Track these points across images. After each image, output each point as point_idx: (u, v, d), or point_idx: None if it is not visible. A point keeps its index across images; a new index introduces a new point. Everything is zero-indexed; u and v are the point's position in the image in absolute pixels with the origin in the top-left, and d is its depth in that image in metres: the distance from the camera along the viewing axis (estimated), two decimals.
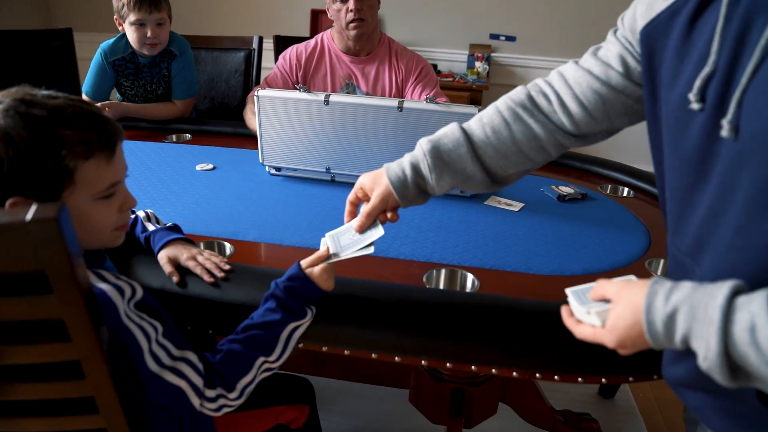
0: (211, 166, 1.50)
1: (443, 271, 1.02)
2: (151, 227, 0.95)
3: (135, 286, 0.74)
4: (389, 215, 0.87)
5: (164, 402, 0.75)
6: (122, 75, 1.91)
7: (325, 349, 0.88)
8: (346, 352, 0.87)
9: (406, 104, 1.27)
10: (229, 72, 2.25)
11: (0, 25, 3.20)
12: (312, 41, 1.84)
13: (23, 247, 0.54)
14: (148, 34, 1.79)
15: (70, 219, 0.55)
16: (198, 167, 1.48)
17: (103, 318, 0.65)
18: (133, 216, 0.98)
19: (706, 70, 0.57)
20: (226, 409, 0.79)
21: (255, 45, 2.24)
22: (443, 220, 1.22)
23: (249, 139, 1.69)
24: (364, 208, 0.86)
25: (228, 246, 1.08)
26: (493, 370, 0.85)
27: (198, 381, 0.75)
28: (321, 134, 1.34)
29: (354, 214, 0.89)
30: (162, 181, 1.38)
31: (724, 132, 0.55)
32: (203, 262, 0.90)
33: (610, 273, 1.03)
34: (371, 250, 0.82)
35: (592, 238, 1.16)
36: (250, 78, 2.25)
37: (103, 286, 0.69)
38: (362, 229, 0.85)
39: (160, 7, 1.78)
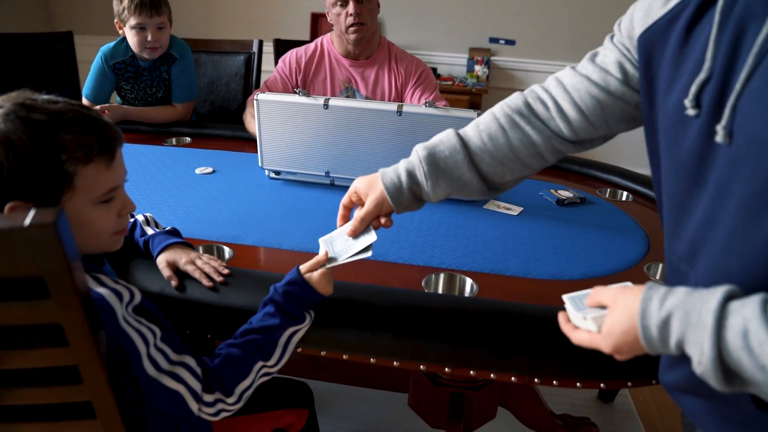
0: (210, 169, 1.50)
1: (442, 276, 1.02)
2: (150, 231, 0.95)
3: (133, 290, 0.74)
4: (383, 220, 0.86)
5: (162, 407, 0.75)
6: (122, 78, 1.91)
7: (323, 353, 0.88)
8: (344, 356, 0.87)
9: (405, 108, 1.27)
10: (229, 75, 2.26)
11: (1, 28, 3.21)
12: (312, 45, 1.85)
13: (21, 252, 0.54)
14: (149, 38, 1.79)
15: (69, 224, 0.55)
16: (197, 171, 1.48)
17: (101, 322, 0.65)
18: (132, 220, 0.98)
19: (702, 76, 0.57)
20: (224, 414, 0.79)
21: (255, 48, 2.25)
22: (442, 224, 1.22)
23: (248, 143, 1.69)
24: (358, 213, 0.86)
25: (227, 250, 1.08)
26: (492, 375, 0.85)
27: (196, 385, 0.75)
28: (320, 138, 1.34)
29: (347, 218, 0.89)
30: (161, 185, 1.38)
31: (719, 137, 0.55)
32: (202, 266, 0.90)
33: (609, 277, 1.04)
34: (369, 254, 0.82)
35: (591, 243, 1.16)
36: (250, 81, 2.25)
37: (101, 290, 0.69)
38: (355, 234, 0.85)
39: (160, 11, 1.78)
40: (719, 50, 0.56)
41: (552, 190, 1.40)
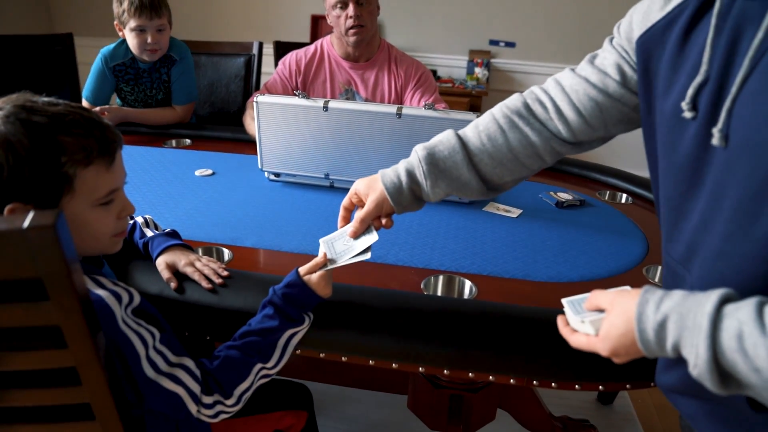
0: (210, 171, 1.50)
1: (441, 278, 1.02)
2: (149, 233, 0.96)
3: (132, 292, 0.74)
4: (384, 221, 0.86)
5: (161, 408, 0.75)
6: (122, 80, 1.91)
7: (322, 355, 0.88)
8: (343, 358, 0.87)
9: (404, 111, 1.27)
10: (229, 77, 2.26)
11: (1, 29, 3.22)
12: (311, 47, 1.85)
13: (20, 254, 0.54)
14: (149, 40, 1.79)
15: (68, 226, 0.55)
16: (197, 173, 1.49)
17: (100, 324, 0.65)
18: (131, 222, 0.98)
19: (698, 79, 0.58)
20: (223, 416, 0.79)
21: (255, 50, 2.25)
22: (441, 227, 1.22)
23: (248, 145, 1.69)
24: (359, 214, 0.86)
25: (226, 252, 1.08)
26: (491, 377, 0.85)
27: (195, 387, 0.75)
28: (320, 140, 1.34)
29: (347, 219, 0.89)
30: (161, 187, 1.38)
31: (715, 140, 0.56)
32: (201, 268, 0.90)
33: (608, 279, 1.04)
34: (368, 255, 0.82)
35: (590, 245, 1.16)
36: (250, 83, 2.25)
37: (100, 292, 0.69)
38: (356, 235, 0.85)
39: (160, 14, 1.79)
40: (716, 53, 0.57)
41: (551, 193, 1.40)
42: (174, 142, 1.77)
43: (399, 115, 1.27)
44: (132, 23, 1.77)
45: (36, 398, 0.66)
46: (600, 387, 0.84)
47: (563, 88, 0.82)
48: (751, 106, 0.52)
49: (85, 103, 1.89)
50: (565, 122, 0.81)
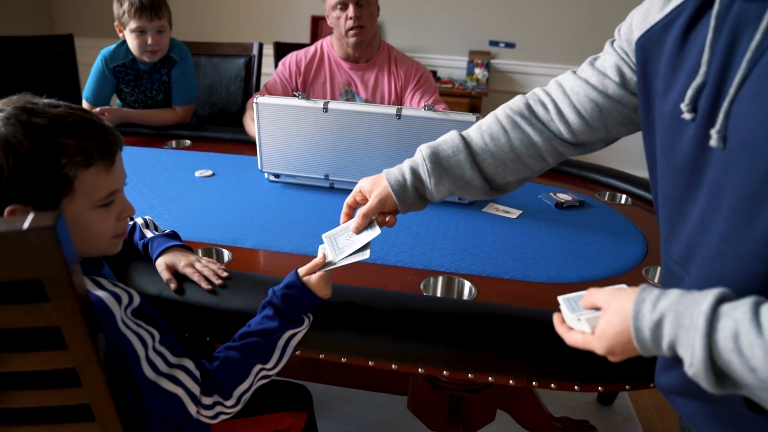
0: (210, 172, 1.50)
1: (440, 279, 1.02)
2: (149, 234, 0.96)
3: (132, 293, 0.74)
4: (387, 218, 0.87)
5: (161, 409, 0.75)
6: (122, 81, 1.91)
7: (322, 356, 0.88)
8: (343, 359, 0.87)
9: (404, 112, 1.27)
10: (229, 78, 2.26)
11: (1, 31, 3.22)
12: (311, 48, 1.85)
13: (20, 256, 0.54)
14: (149, 42, 1.79)
15: (68, 227, 0.56)
16: (197, 173, 1.49)
17: (99, 325, 0.65)
18: (131, 223, 0.98)
19: (698, 80, 0.58)
20: (223, 417, 0.79)
21: (255, 51, 2.25)
22: (441, 228, 1.22)
23: (248, 146, 1.69)
24: (362, 209, 0.86)
25: (226, 253, 1.08)
26: (490, 378, 0.85)
27: (195, 388, 0.75)
28: (320, 141, 1.35)
29: (350, 216, 0.89)
30: (161, 188, 1.39)
31: (713, 141, 0.56)
32: (201, 269, 0.90)
33: (608, 280, 1.04)
34: (367, 255, 0.82)
35: (589, 246, 1.16)
36: (250, 84, 2.26)
37: (100, 293, 0.69)
38: (359, 230, 0.86)
39: (160, 15, 1.79)
40: (715, 55, 0.57)
41: (551, 193, 1.40)
42: (174, 143, 1.77)
43: (399, 116, 1.27)
44: (132, 24, 1.77)
45: (36, 399, 0.66)
46: (599, 388, 0.84)
47: (564, 89, 0.83)
48: (749, 107, 0.52)
49: (85, 104, 1.89)
50: (566, 123, 0.82)
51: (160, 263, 0.91)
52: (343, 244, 0.85)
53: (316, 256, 0.85)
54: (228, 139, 1.82)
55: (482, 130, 0.86)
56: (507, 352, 0.82)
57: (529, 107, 0.85)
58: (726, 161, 0.55)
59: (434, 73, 3.27)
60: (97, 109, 1.77)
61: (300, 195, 1.38)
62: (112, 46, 1.87)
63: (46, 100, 0.72)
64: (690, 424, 0.67)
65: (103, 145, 0.72)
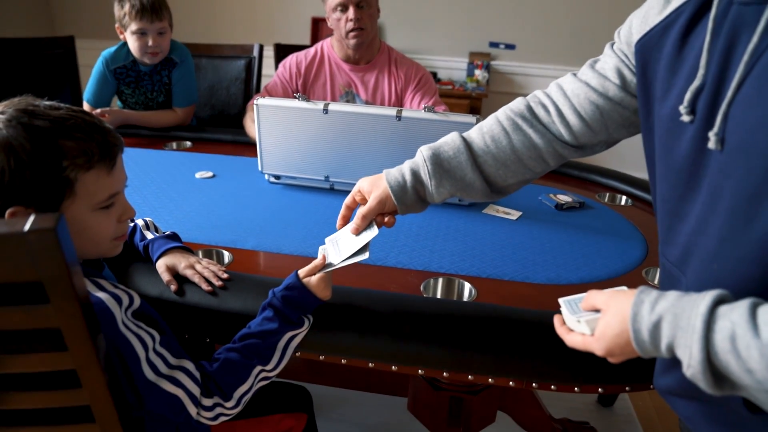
0: (210, 174, 1.50)
1: (440, 280, 1.02)
2: (149, 235, 0.96)
3: (132, 294, 0.74)
4: (386, 219, 0.87)
5: (161, 411, 0.75)
6: (123, 83, 1.92)
7: (322, 358, 0.88)
8: (343, 361, 0.88)
9: (404, 113, 1.27)
10: (229, 80, 2.27)
11: (2, 32, 3.22)
12: (312, 49, 1.86)
13: (21, 258, 0.54)
14: (150, 43, 1.80)
15: (69, 229, 0.56)
16: (197, 175, 1.49)
17: (100, 327, 0.65)
18: (132, 224, 0.98)
19: (696, 83, 0.58)
20: (223, 418, 0.79)
21: (255, 53, 2.26)
22: (441, 229, 1.23)
23: (249, 147, 1.70)
24: (361, 210, 0.86)
25: (226, 254, 1.08)
26: (490, 380, 0.85)
27: (195, 390, 0.75)
28: (320, 143, 1.35)
29: (347, 218, 0.89)
30: (161, 189, 1.39)
31: (711, 144, 0.56)
32: (201, 270, 0.90)
33: (608, 281, 1.04)
34: (366, 256, 0.83)
35: (589, 247, 1.16)
36: (250, 86, 2.26)
37: (100, 294, 0.70)
38: (358, 231, 0.86)
39: (161, 17, 1.79)
40: (713, 57, 0.57)
41: (551, 195, 1.41)
42: (174, 145, 1.78)
43: (399, 117, 1.27)
44: (133, 26, 1.77)
45: (36, 401, 0.66)
46: (599, 389, 0.84)
47: (565, 92, 0.83)
48: (747, 110, 0.53)
49: (86, 106, 1.90)
50: (567, 125, 0.82)
51: (161, 265, 0.91)
52: (343, 246, 0.85)
53: (316, 258, 0.85)
54: (228, 140, 1.83)
55: (483, 131, 0.86)
56: (507, 354, 0.82)
57: (530, 109, 0.85)
58: (724, 163, 0.55)
59: (434, 74, 3.27)
60: (98, 111, 1.78)
61: (300, 196, 1.38)
62: (113, 48, 1.88)
63: (48, 103, 0.72)
64: (689, 426, 0.68)
65: (104, 148, 0.72)
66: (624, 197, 1.46)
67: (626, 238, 1.21)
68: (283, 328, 0.81)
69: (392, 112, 1.28)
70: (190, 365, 0.76)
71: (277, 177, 1.44)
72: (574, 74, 0.83)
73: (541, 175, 0.89)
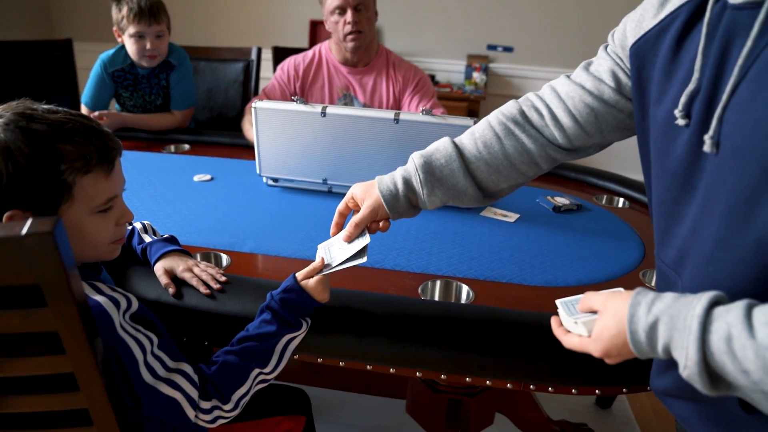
0: (208, 177, 1.50)
1: (438, 283, 1.02)
2: (147, 239, 0.96)
3: (130, 297, 0.74)
4: (381, 224, 0.87)
5: (159, 414, 0.75)
6: (121, 86, 1.92)
7: (320, 360, 0.88)
8: (341, 363, 0.88)
9: (402, 116, 1.28)
10: (227, 83, 2.27)
11: (0, 35, 3.22)
12: (310, 52, 1.86)
13: (19, 261, 0.54)
14: (148, 46, 1.80)
15: (66, 233, 0.56)
16: (196, 178, 1.49)
17: (98, 330, 0.66)
18: (129, 227, 0.98)
19: (691, 87, 0.59)
20: (221, 421, 0.79)
21: (254, 56, 2.26)
22: (438, 232, 1.23)
23: (247, 150, 1.70)
24: (354, 218, 0.86)
25: (224, 257, 1.08)
26: (488, 382, 0.85)
27: (193, 392, 0.75)
28: (318, 146, 1.35)
29: (340, 225, 0.89)
30: (160, 192, 1.39)
31: (706, 147, 0.56)
32: (199, 273, 0.90)
33: (605, 284, 1.04)
34: (364, 259, 0.83)
35: (587, 249, 1.16)
36: (248, 89, 2.26)
37: (98, 298, 0.70)
38: (350, 239, 0.86)
39: (159, 20, 1.79)
40: (707, 62, 0.58)
41: (548, 197, 1.41)
42: (173, 148, 1.78)
43: (396, 120, 1.28)
44: (131, 29, 1.77)
45: (34, 404, 0.66)
46: (597, 391, 0.84)
47: (559, 94, 0.82)
48: (742, 113, 0.53)
49: (84, 109, 1.90)
50: (561, 129, 0.82)
51: (159, 268, 0.91)
52: (336, 253, 0.86)
53: (314, 261, 0.85)
54: (226, 143, 1.83)
55: (475, 137, 0.85)
56: (505, 356, 0.82)
57: (522, 113, 0.84)
58: (719, 166, 0.56)
59: (432, 77, 3.28)
60: (96, 114, 1.78)
61: (298, 199, 1.38)
62: (111, 51, 1.88)
63: (46, 106, 0.72)
64: (685, 426, 0.68)
65: (102, 152, 0.72)
66: (621, 199, 1.46)
67: (623, 240, 1.21)
68: (281, 331, 0.81)
69: (390, 115, 1.28)
70: (188, 368, 0.76)
71: (275, 180, 1.44)
72: (568, 76, 0.83)
73: (533, 178, 0.89)
